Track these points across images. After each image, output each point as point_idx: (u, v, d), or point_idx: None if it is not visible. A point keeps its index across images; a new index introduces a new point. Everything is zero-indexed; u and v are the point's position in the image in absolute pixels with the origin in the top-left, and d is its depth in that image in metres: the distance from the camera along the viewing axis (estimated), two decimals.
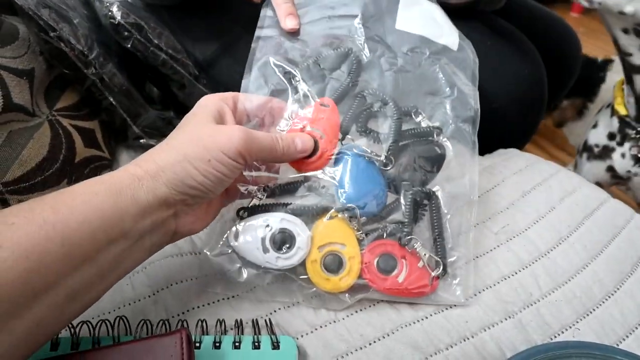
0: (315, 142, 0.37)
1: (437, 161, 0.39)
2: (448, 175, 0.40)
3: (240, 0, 0.62)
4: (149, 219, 0.29)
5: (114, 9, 0.51)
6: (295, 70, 0.39)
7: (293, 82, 0.39)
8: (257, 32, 0.42)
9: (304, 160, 0.37)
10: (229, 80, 0.62)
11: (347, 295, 0.37)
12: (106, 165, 0.53)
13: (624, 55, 0.58)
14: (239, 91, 0.38)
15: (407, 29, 0.42)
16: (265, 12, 0.44)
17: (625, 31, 0.54)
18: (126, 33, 0.51)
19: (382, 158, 0.37)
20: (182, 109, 0.60)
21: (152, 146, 0.34)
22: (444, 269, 0.37)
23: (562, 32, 0.75)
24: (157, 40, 0.54)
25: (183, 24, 0.65)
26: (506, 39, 0.63)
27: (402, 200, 0.37)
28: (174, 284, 0.39)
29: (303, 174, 0.37)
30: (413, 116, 0.40)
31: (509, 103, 0.58)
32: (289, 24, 0.41)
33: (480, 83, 0.45)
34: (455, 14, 0.63)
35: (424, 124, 0.40)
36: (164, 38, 0.55)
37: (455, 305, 0.37)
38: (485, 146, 0.60)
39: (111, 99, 0.49)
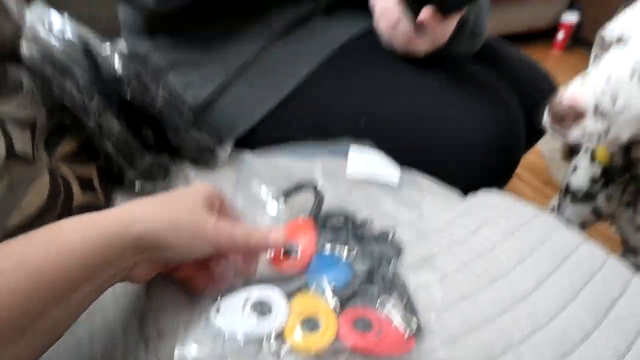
0: (296, 247, 0.45)
1: (395, 252, 0.47)
2: (407, 264, 0.47)
3: (231, 44, 0.66)
4: (120, 263, 0.33)
5: (115, 60, 0.54)
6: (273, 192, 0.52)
7: (273, 200, 0.52)
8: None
9: (284, 262, 0.44)
10: (223, 125, 0.65)
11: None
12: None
13: None
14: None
15: (355, 176, 0.58)
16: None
17: None
18: (126, 83, 0.54)
19: (350, 256, 0.45)
20: (176, 153, 0.62)
21: (146, 192, 0.36)
22: (419, 328, 0.39)
23: (537, 76, 0.79)
24: (154, 85, 0.57)
25: (178, 71, 0.68)
26: (479, 84, 0.65)
27: (373, 274, 0.44)
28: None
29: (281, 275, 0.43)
30: (367, 226, 0.51)
31: (484, 147, 0.60)
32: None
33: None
34: (427, 60, 0.66)
35: (375, 232, 0.50)
36: (161, 85, 0.58)
37: None
38: (466, 187, 0.62)
39: (109, 147, 0.51)
